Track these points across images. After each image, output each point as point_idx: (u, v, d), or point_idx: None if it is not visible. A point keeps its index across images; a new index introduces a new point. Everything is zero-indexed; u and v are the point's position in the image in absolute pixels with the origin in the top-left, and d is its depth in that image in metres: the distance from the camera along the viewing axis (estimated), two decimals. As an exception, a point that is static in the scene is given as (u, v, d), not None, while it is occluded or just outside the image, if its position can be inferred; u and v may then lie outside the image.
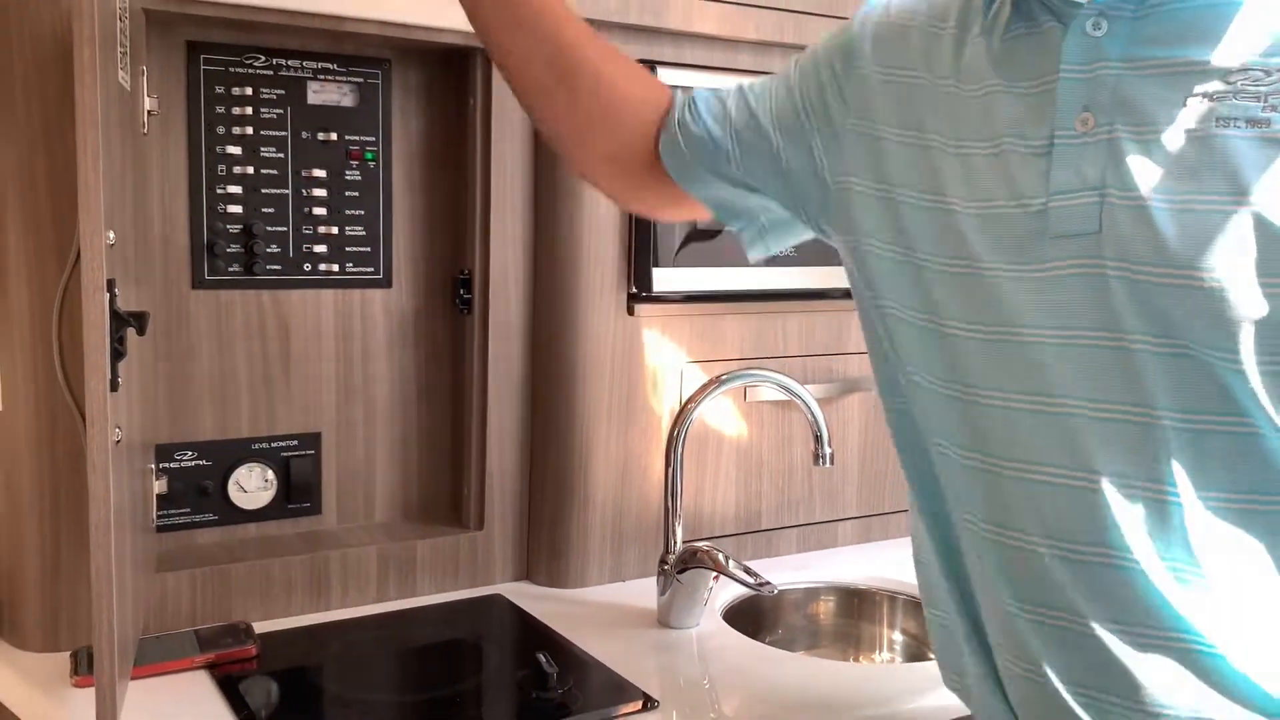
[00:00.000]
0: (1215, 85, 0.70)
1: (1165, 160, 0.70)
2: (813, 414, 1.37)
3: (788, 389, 1.39)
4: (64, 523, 1.16)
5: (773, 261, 1.47)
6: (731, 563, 1.29)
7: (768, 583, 1.27)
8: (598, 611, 1.38)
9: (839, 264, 1.54)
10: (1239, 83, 0.69)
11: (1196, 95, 0.70)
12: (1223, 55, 0.70)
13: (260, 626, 1.25)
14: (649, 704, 1.13)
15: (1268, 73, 0.69)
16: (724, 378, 1.38)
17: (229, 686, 1.11)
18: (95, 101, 0.83)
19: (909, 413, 0.88)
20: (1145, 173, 0.71)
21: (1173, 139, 0.70)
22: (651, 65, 1.36)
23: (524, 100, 1.03)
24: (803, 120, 0.95)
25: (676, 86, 1.06)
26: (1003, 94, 0.79)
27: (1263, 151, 0.67)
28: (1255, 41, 0.70)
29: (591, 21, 1.30)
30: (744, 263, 1.45)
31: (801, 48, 1.46)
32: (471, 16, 0.99)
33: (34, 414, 1.14)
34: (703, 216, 1.09)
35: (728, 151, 0.99)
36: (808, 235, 1.04)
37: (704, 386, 1.37)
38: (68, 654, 1.16)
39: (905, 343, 0.85)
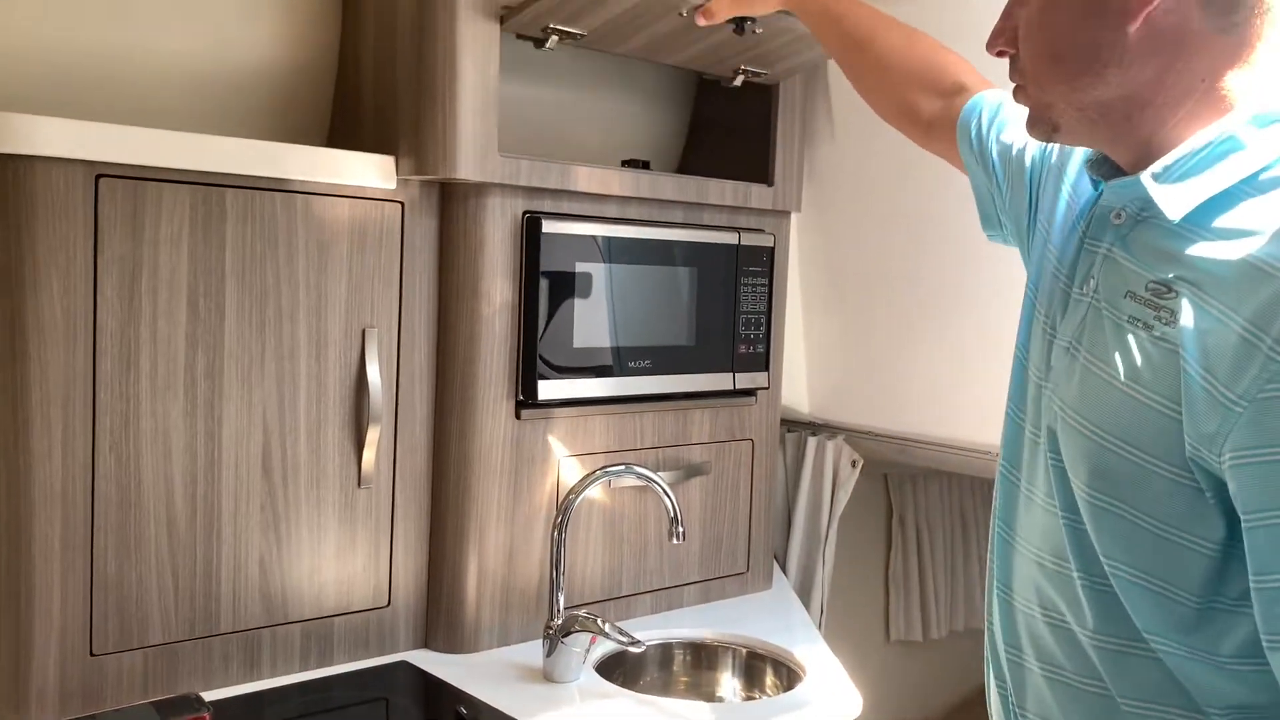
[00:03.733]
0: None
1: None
2: (669, 500, 1.68)
3: (648, 479, 1.69)
4: (39, 613, 1.34)
5: (628, 371, 1.78)
6: (606, 625, 1.58)
7: (637, 641, 1.56)
8: (492, 671, 1.64)
9: (684, 372, 1.88)
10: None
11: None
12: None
13: (205, 696, 1.44)
14: (549, 743, 1.39)
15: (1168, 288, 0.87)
16: (598, 472, 1.67)
17: (195, 748, 1.31)
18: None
19: None
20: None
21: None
22: (536, 217, 1.65)
23: (845, 65, 1.44)
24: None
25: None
26: None
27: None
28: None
29: (487, 185, 1.60)
30: (609, 374, 1.76)
31: (658, 201, 1.80)
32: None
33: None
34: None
35: (1000, 186, 1.20)
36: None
37: (582, 480, 1.67)
38: (39, 729, 1.33)
39: None
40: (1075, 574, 0.93)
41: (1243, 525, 0.81)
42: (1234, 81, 0.87)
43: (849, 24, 1.42)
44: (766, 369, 1.99)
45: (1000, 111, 1.22)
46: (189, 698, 1.41)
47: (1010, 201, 1.18)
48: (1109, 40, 0.87)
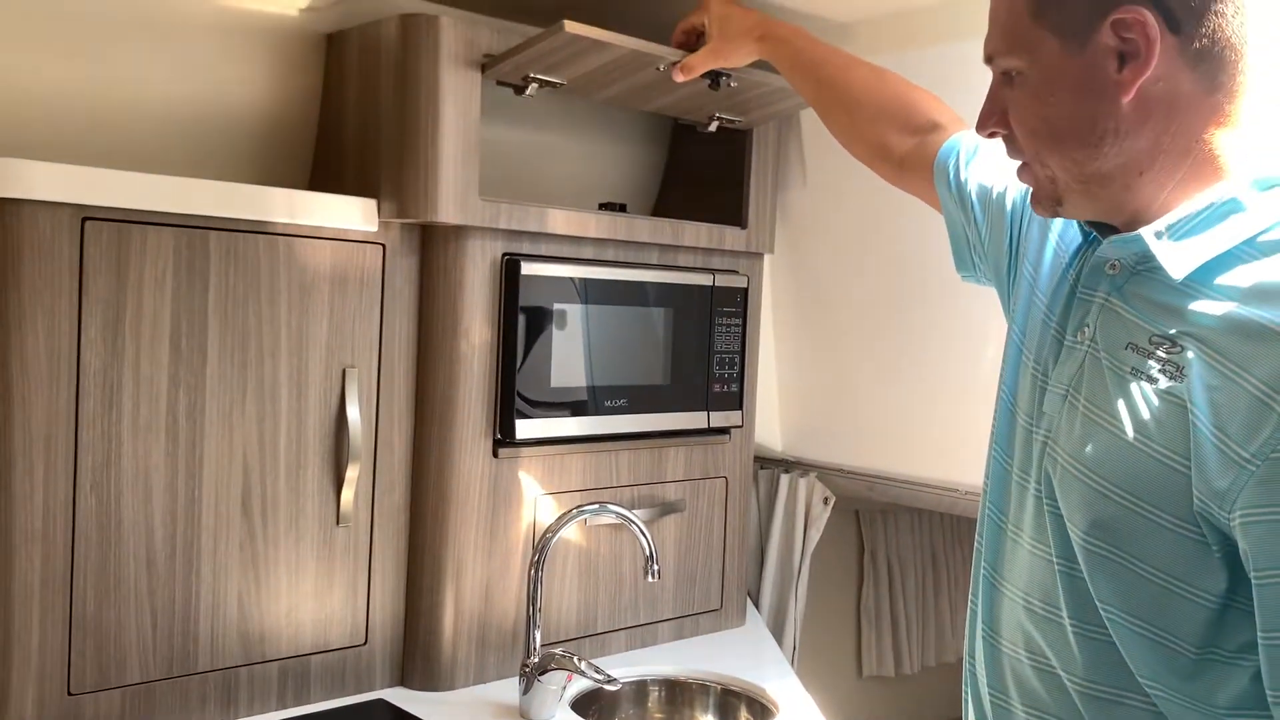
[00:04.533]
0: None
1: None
2: (645, 538, 1.70)
3: (625, 518, 1.71)
4: (17, 653, 1.34)
5: (604, 410, 1.81)
6: (583, 663, 1.59)
7: (613, 679, 1.58)
8: (468, 709, 1.65)
9: (659, 411, 1.90)
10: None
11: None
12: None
13: (182, 736, 1.45)
14: (526, 781, 1.41)
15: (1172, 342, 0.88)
16: (574, 510, 1.69)
17: (172, 788, 1.32)
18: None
19: None
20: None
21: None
22: (515, 259, 1.68)
23: (819, 107, 1.49)
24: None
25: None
26: None
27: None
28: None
29: (468, 228, 1.63)
30: (586, 413, 1.78)
31: (635, 243, 1.84)
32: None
33: (-6, 559, 1.33)
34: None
35: (979, 226, 1.22)
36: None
37: (559, 518, 1.69)
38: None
39: None
40: (1067, 621, 0.94)
41: (1253, 582, 0.82)
42: (1225, 141, 0.91)
43: (823, 70, 1.46)
44: (740, 408, 2.02)
45: (979, 152, 1.24)
46: (166, 737, 1.42)
47: (989, 243, 1.20)
48: (1105, 112, 0.90)
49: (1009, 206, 1.17)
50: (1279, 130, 0.93)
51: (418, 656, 1.71)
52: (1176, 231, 0.89)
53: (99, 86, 1.57)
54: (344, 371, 1.60)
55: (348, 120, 1.71)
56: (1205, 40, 0.87)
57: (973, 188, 1.23)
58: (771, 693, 1.80)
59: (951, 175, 1.26)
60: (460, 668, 1.71)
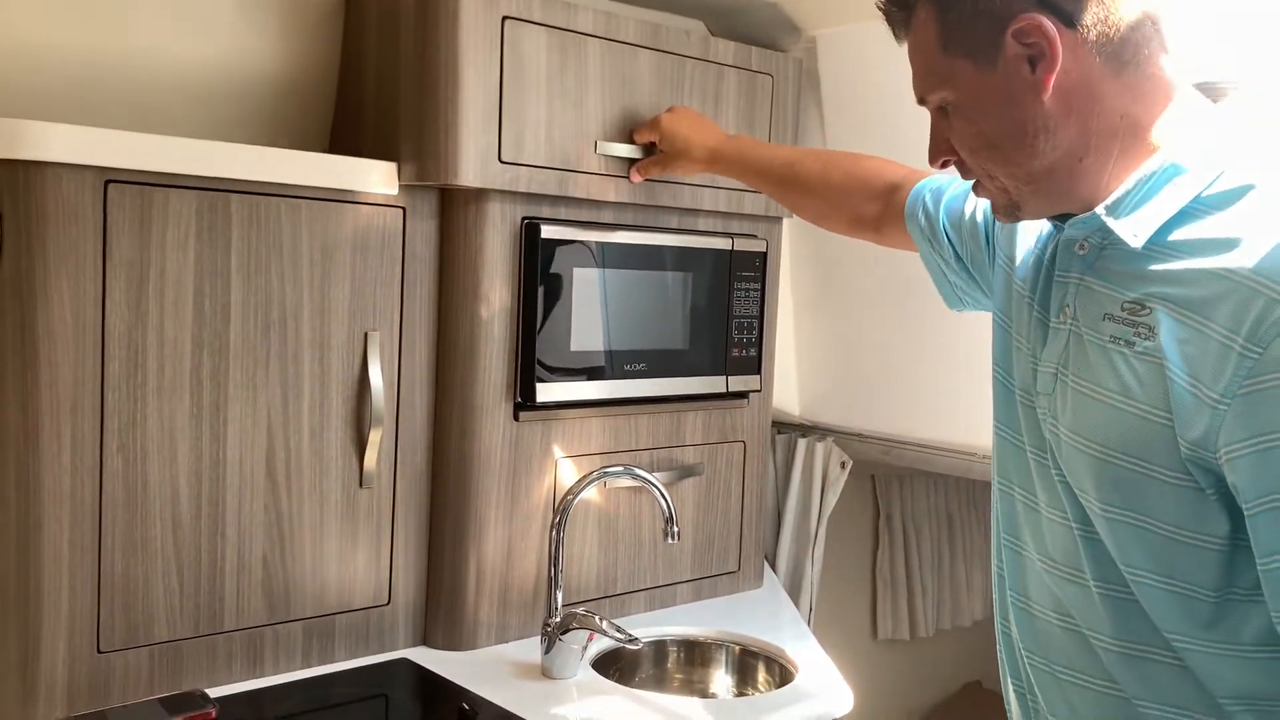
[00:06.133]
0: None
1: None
2: (665, 500, 1.71)
3: (645, 480, 1.72)
4: (48, 611, 1.36)
5: (623, 374, 1.82)
6: (604, 623, 1.61)
7: (635, 638, 1.60)
8: (490, 668, 1.67)
9: (678, 375, 1.91)
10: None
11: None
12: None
13: (210, 693, 1.47)
14: (550, 738, 1.43)
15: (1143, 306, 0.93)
16: (595, 473, 1.70)
17: (201, 744, 1.34)
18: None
19: None
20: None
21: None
22: (535, 222, 1.68)
23: (784, 204, 1.67)
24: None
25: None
26: None
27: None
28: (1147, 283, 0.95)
29: (488, 191, 1.63)
30: (605, 377, 1.79)
31: (654, 207, 1.84)
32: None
33: None
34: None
35: (958, 252, 1.31)
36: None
37: (580, 480, 1.70)
38: (48, 725, 1.36)
39: None
40: (1090, 582, 0.99)
41: (1246, 514, 0.87)
42: (1148, 115, 0.97)
43: (771, 173, 1.61)
44: (758, 372, 2.03)
45: (943, 190, 1.34)
46: (194, 694, 1.44)
47: (971, 258, 1.28)
48: (1031, 114, 0.96)
49: (980, 219, 1.25)
50: (1201, 100, 1.00)
51: (440, 616, 1.73)
52: (1126, 203, 0.96)
53: (119, 50, 1.57)
54: (365, 335, 1.61)
55: (367, 83, 1.70)
56: (1099, 26, 0.94)
57: (944, 218, 1.32)
58: (790, 653, 1.81)
59: (922, 218, 1.35)
60: (482, 627, 1.73)
